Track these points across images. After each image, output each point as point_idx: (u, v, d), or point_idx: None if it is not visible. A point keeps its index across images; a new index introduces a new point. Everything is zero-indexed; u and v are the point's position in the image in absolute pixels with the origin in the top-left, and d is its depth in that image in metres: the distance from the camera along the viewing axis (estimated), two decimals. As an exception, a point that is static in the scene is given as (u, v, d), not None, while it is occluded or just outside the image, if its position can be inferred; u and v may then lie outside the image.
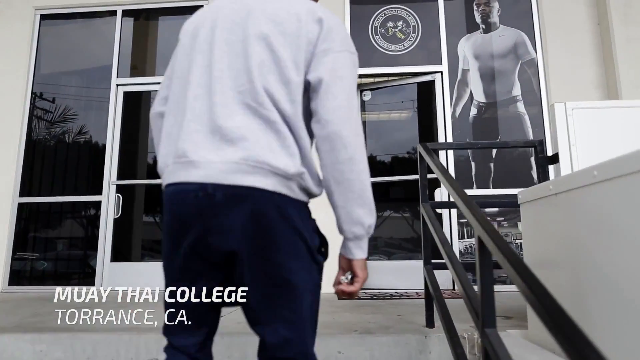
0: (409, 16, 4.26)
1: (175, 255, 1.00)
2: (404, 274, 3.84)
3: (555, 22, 4.10)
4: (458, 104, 4.09)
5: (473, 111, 4.08)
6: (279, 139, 0.96)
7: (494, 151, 4.00)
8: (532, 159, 3.98)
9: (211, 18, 1.09)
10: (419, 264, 2.57)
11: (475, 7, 4.24)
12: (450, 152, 3.95)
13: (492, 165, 3.98)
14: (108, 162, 4.27)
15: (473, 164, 3.96)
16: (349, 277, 1.02)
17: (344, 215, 0.99)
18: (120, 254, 4.26)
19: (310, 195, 1.03)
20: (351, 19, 4.25)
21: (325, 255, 1.04)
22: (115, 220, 4.19)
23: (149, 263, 4.22)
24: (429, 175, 2.39)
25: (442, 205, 3.58)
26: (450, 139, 3.97)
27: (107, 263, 4.10)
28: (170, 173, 1.01)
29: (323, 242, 1.04)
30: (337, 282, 1.04)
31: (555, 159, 2.02)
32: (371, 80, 4.31)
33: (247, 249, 0.94)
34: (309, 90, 1.01)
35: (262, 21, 1.03)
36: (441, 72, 4.13)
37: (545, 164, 2.06)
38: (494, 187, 3.92)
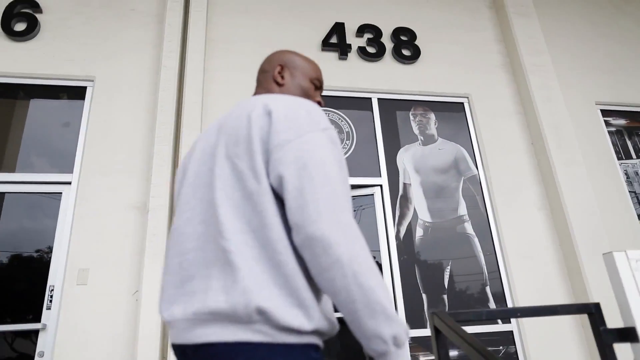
0: (342, 121, 3.78)
1: None
2: None
3: (492, 140, 3.90)
4: (402, 223, 3.53)
5: (419, 232, 3.53)
6: (228, 273, 0.83)
7: (446, 280, 3.41)
8: (488, 290, 3.45)
9: (189, 153, 1.11)
10: None
11: (412, 117, 3.91)
12: (398, 288, 3.28)
13: (445, 297, 3.36)
14: None
15: (424, 295, 3.31)
16: None
17: (357, 332, 0.81)
18: None
19: (308, 332, 0.82)
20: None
21: None
22: None
23: None
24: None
25: None
26: (395, 265, 3.32)
27: None
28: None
29: None
30: None
31: (630, 334, 1.34)
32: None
33: None
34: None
35: (222, 139, 0.97)
36: (380, 186, 3.60)
37: (611, 341, 1.38)
38: (448, 325, 3.25)
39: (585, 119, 4.16)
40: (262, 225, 0.85)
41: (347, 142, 3.70)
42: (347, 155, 3.65)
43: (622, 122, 4.34)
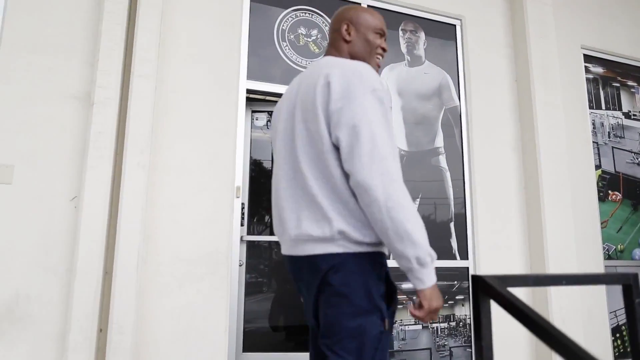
0: (326, 26, 3.31)
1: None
2: None
3: (478, 72, 3.66)
4: (378, 148, 3.28)
5: (393, 160, 3.32)
6: (316, 209, 1.18)
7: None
8: (452, 225, 3.41)
9: (278, 109, 1.42)
10: None
11: (401, 34, 3.52)
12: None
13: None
14: None
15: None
16: (417, 301, 1.14)
17: (392, 252, 1.14)
18: None
19: (371, 244, 1.17)
20: (251, 15, 3.09)
21: (390, 302, 1.18)
22: None
23: None
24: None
25: None
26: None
27: None
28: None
29: (390, 290, 1.19)
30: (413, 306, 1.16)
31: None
32: (270, 100, 3.20)
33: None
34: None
35: (299, 103, 1.26)
36: (360, 106, 3.27)
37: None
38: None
39: (569, 61, 4.02)
40: (330, 175, 1.17)
41: (329, 51, 3.27)
42: (327, 66, 3.24)
43: (600, 70, 4.27)
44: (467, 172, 3.51)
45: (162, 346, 2.50)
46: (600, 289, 3.78)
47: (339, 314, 1.13)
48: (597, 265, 3.81)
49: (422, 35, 3.60)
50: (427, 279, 1.11)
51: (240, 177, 2.87)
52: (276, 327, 3.58)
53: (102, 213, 2.41)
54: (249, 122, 2.95)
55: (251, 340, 3.35)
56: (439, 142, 3.47)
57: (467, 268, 3.38)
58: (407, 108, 3.42)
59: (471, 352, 3.27)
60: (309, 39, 3.24)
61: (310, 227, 1.16)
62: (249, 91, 2.98)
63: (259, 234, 3.26)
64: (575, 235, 3.57)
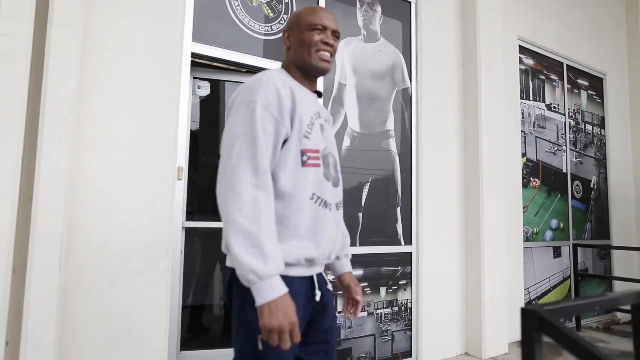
0: (280, -12, 2.94)
1: None
2: None
3: (430, 53, 3.57)
4: (331, 129, 3.07)
5: (346, 141, 3.13)
6: None
7: (364, 198, 3.17)
8: (398, 211, 3.35)
9: None
10: None
11: (358, 5, 3.28)
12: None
13: (360, 215, 3.14)
14: None
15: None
16: None
17: None
18: None
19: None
20: (195, -40, 2.61)
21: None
22: None
23: None
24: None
25: None
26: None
27: None
28: None
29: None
30: None
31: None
32: (216, 66, 2.79)
33: None
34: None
35: None
36: (315, 81, 3.01)
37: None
38: (360, 245, 3.10)
39: (508, 50, 4.12)
40: None
41: (285, 17, 2.92)
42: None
43: (530, 62, 4.47)
44: (414, 157, 3.46)
45: (91, 357, 2.10)
46: (519, 271, 4.06)
47: (233, 326, 1.24)
48: (518, 246, 4.07)
49: (379, 10, 3.39)
50: (258, 297, 1.06)
51: (184, 155, 2.47)
52: (214, 322, 3.28)
53: (10, 198, 1.90)
54: (190, 91, 2.54)
55: (190, 338, 3.04)
56: (390, 124, 3.36)
57: (411, 253, 3.38)
58: (360, 86, 3.23)
59: (410, 335, 3.32)
60: (262, 1, 2.86)
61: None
62: (194, 55, 2.55)
63: (202, 220, 2.89)
64: (505, 219, 3.76)
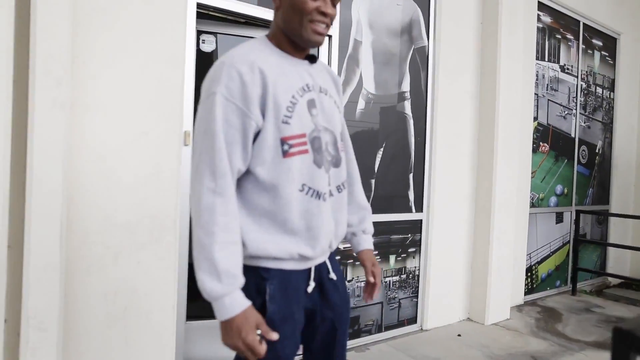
0: None
1: None
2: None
3: (448, 9, 3.31)
4: (346, 89, 2.85)
5: (361, 104, 2.93)
6: None
7: (377, 164, 3.01)
8: (411, 177, 3.21)
9: None
10: None
11: (375, -48, 2.96)
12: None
13: (372, 182, 3.00)
14: None
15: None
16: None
17: None
18: None
19: (248, 257, 1.08)
20: None
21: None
22: None
23: None
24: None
25: None
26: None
27: None
28: None
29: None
30: None
31: None
32: (223, 18, 2.51)
33: None
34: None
35: None
36: (330, 37, 2.76)
37: None
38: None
39: (528, 6, 3.86)
40: None
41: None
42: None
43: (548, 20, 4.22)
44: (429, 121, 3.28)
45: (95, 335, 1.98)
46: (524, 237, 4.03)
47: None
48: (525, 213, 4.02)
49: (397, -44, 3.08)
50: (216, 313, 1.01)
51: (190, 118, 2.26)
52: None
53: (1, 167, 1.69)
54: (195, 47, 2.28)
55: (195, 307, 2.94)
56: (406, 86, 3.15)
57: (421, 221, 3.29)
58: (377, 44, 2.98)
59: (417, 302, 3.29)
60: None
61: None
62: (200, 6, 2.27)
63: None
64: (516, 187, 3.67)
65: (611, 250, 5.11)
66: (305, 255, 1.11)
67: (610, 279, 5.07)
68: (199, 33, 2.48)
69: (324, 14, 1.07)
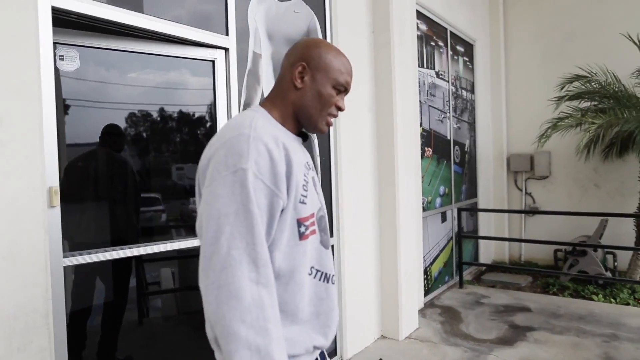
0: None
1: None
2: None
3: (343, 19, 3.11)
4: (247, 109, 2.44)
5: (266, 127, 2.55)
6: None
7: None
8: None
9: None
10: None
11: (268, -49, 2.58)
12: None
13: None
14: None
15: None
16: None
17: None
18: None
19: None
20: None
21: None
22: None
23: None
24: None
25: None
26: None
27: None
28: None
29: None
30: None
31: None
32: (85, 23, 1.88)
33: None
34: None
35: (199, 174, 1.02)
36: (226, 50, 2.31)
37: None
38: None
39: (409, 16, 3.88)
40: None
41: (180, -42, 2.11)
42: (174, -19, 2.10)
43: (424, 27, 4.33)
44: (332, 139, 3.05)
45: None
46: (420, 242, 4.11)
47: None
48: (419, 218, 4.09)
49: (290, -42, 2.75)
50: None
51: (55, 168, 1.63)
52: None
53: None
54: (53, 69, 1.65)
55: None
56: (309, 102, 2.86)
57: (332, 246, 3.06)
58: (277, 56, 2.62)
59: (335, 334, 3.07)
60: None
61: None
62: (55, 11, 1.64)
63: (84, 247, 2.02)
64: (414, 194, 3.68)
65: (482, 243, 5.62)
66: (318, 347, 1.05)
67: (480, 268, 5.57)
68: (57, 45, 1.82)
69: (339, 108, 1.11)
